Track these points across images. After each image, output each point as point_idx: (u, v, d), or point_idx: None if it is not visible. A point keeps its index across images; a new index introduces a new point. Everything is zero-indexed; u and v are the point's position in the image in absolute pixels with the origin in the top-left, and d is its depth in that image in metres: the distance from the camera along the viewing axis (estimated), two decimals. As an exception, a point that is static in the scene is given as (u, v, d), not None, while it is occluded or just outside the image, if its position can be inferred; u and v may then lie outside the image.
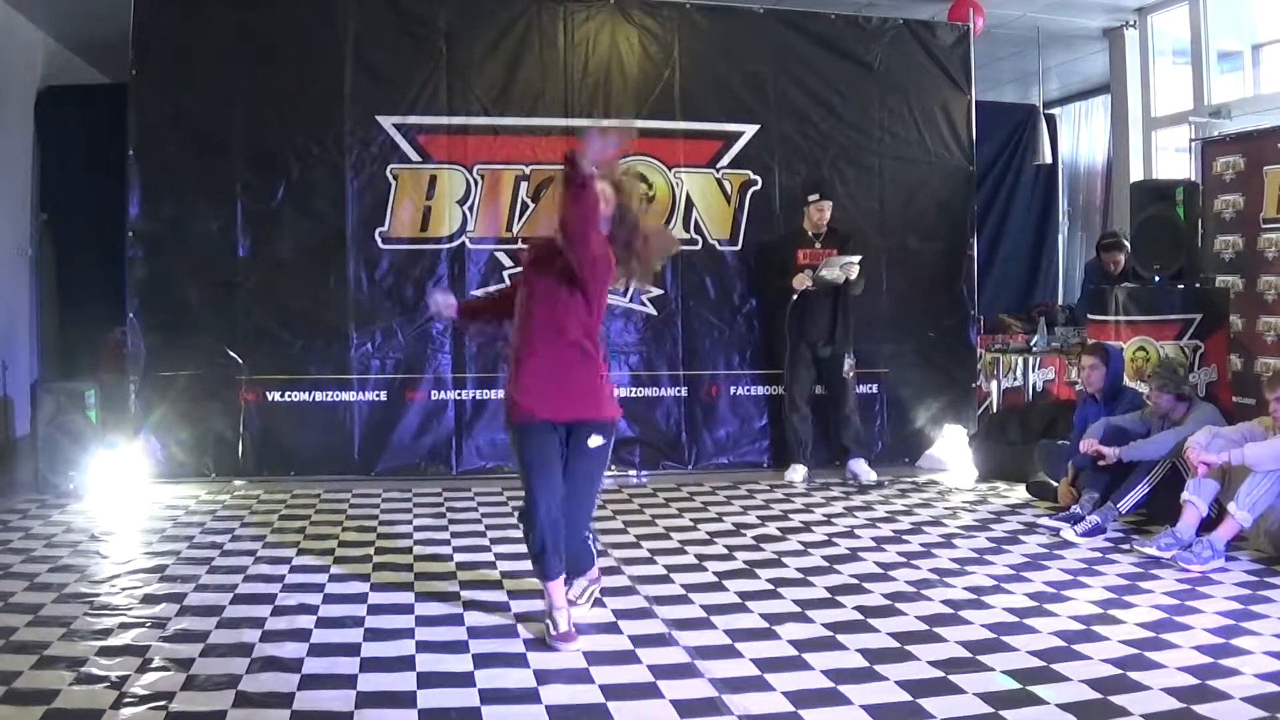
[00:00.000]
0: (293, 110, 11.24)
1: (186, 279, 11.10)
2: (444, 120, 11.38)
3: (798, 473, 11.22)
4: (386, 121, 11.26)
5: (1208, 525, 8.12)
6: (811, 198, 11.28)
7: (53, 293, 14.42)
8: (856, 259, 10.98)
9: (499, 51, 11.54)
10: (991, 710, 5.28)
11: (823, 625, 6.54)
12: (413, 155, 11.30)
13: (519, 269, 7.96)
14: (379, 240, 11.24)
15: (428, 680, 5.68)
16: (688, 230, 11.72)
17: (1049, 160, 15.17)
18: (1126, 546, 8.34)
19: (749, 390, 11.90)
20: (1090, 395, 9.83)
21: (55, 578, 7.54)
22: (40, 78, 14.09)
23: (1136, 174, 13.74)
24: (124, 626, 6.48)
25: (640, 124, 11.48)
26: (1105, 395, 9.66)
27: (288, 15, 11.32)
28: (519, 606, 6.92)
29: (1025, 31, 13.81)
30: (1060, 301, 15.09)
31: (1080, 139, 16.76)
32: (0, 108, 12.95)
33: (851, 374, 11.38)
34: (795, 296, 11.10)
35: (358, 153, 11.25)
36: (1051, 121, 15.92)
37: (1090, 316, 11.53)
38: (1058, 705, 5.33)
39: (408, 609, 6.90)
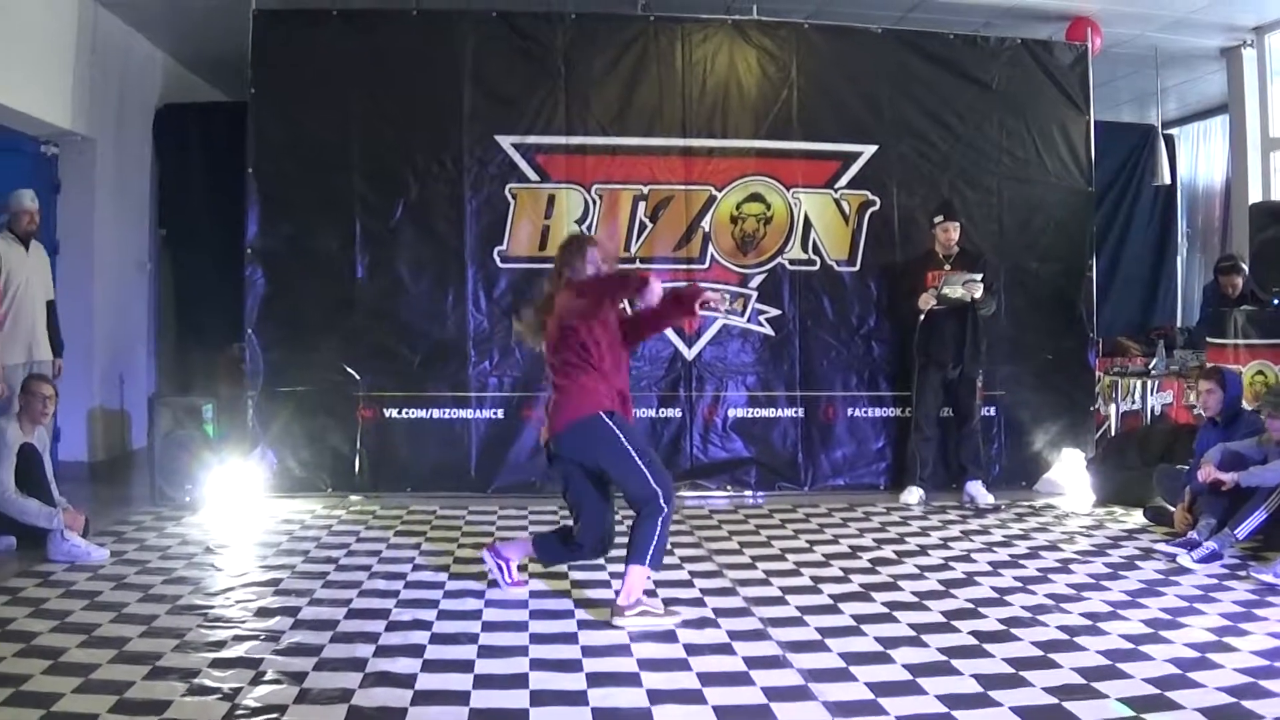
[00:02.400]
0: (411, 129, 11.34)
1: (305, 296, 11.22)
2: (562, 140, 11.41)
3: (914, 495, 11.11)
4: (505, 141, 11.32)
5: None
6: (937, 219, 11.21)
7: (171, 307, 14.58)
8: (979, 277, 10.90)
9: (617, 72, 11.57)
10: (1105, 738, 5.18)
11: (938, 650, 6.45)
12: (531, 175, 11.34)
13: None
14: (497, 259, 11.29)
15: (540, 699, 5.67)
16: (805, 250, 11.68)
17: (1168, 181, 14.94)
18: (1243, 573, 8.19)
19: (866, 411, 11.81)
20: (1210, 420, 9.70)
21: (170, 589, 7.62)
22: (159, 95, 14.27)
23: (1255, 195, 13.54)
24: (238, 639, 6.53)
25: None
26: (1223, 419, 9.52)
27: (406, 35, 11.41)
28: (633, 625, 6.88)
29: (1143, 51, 13.66)
30: (1179, 324, 14.91)
31: (1199, 159, 16.53)
32: (120, 125, 13.11)
33: (980, 397, 11.33)
34: (922, 317, 11.03)
35: (476, 172, 11.31)
36: (1170, 142, 15.70)
37: (1209, 340, 11.40)
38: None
39: (522, 626, 6.89)
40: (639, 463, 7.06)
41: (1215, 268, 12.74)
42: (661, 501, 7.00)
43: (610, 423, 7.10)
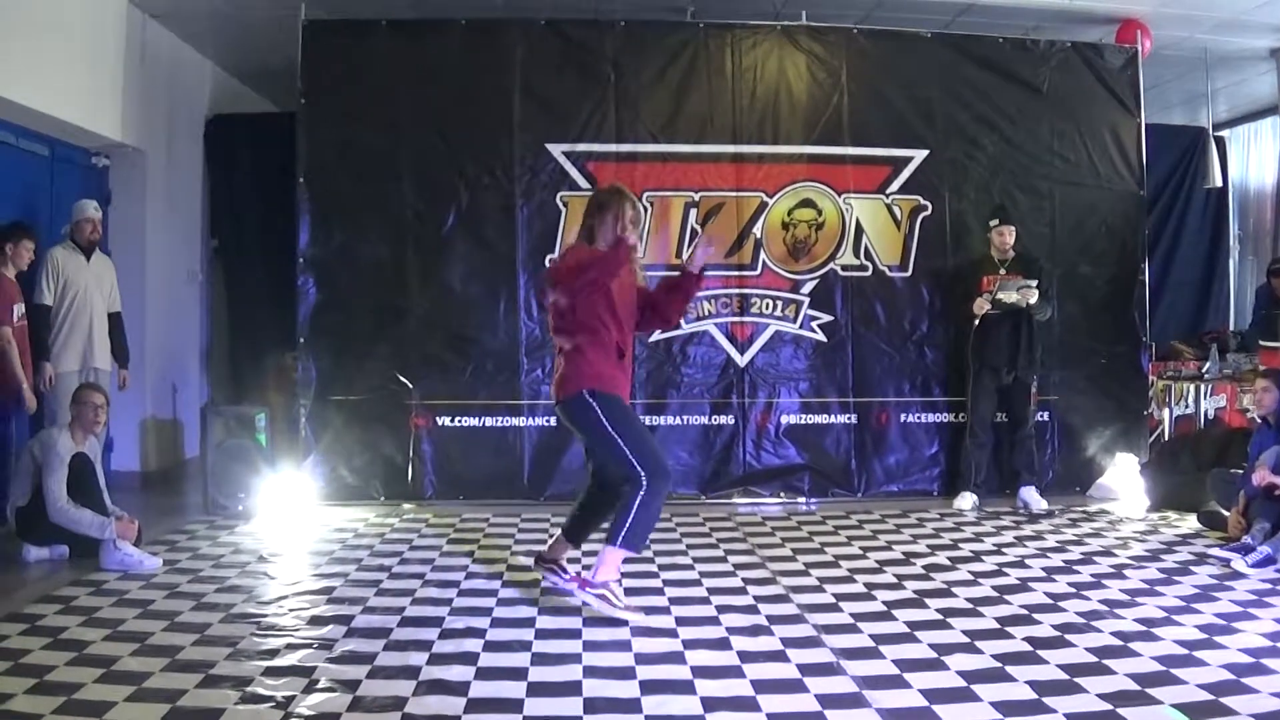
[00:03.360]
0: (462, 138, 11.37)
1: (357, 305, 11.28)
2: (613, 148, 11.44)
3: (967, 500, 11.09)
4: (556, 149, 11.35)
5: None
6: (992, 223, 11.21)
7: (223, 317, 14.65)
8: (1034, 283, 10.87)
9: (666, 78, 11.57)
10: (1159, 744, 5.16)
11: (991, 656, 6.42)
12: (582, 182, 11.36)
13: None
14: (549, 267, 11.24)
15: (593, 706, 5.67)
16: (857, 256, 11.66)
17: (1219, 183, 14.83)
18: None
19: (919, 417, 11.78)
20: (1264, 422, 9.64)
21: (223, 598, 7.66)
22: (209, 106, 14.34)
23: (1308, 197, 13.47)
24: (290, 647, 6.56)
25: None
26: (1278, 421, 9.47)
27: (456, 44, 11.45)
28: (686, 633, 6.90)
29: (1192, 53, 13.57)
30: (1232, 327, 14.80)
31: (1250, 161, 16.39)
32: (170, 136, 13.17)
33: (1034, 403, 11.28)
34: (977, 322, 11.02)
35: (527, 180, 11.35)
36: (1221, 144, 15.61)
37: (1262, 343, 11.38)
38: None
39: (575, 634, 6.89)
40: (620, 443, 7.15)
41: (1268, 270, 12.67)
42: (643, 480, 7.06)
43: (593, 402, 7.19)
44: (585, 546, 8.06)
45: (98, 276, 10.55)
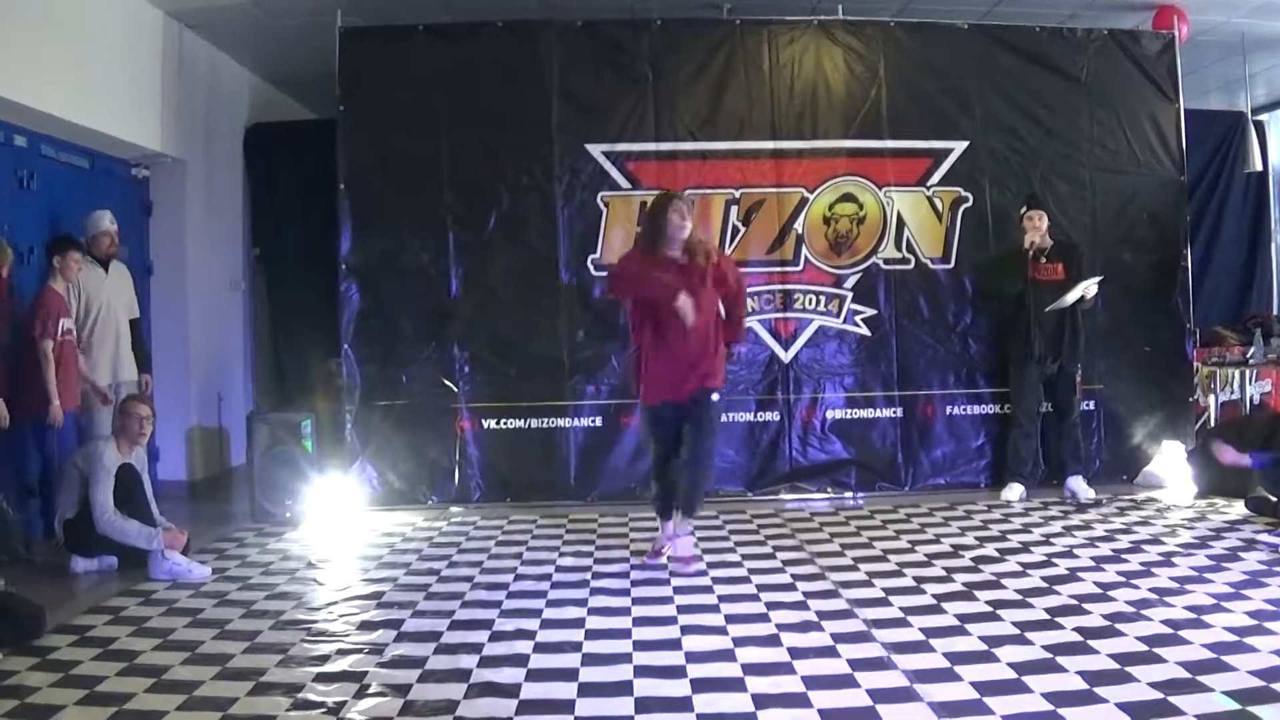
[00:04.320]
0: (501, 141, 11.39)
1: (400, 310, 11.31)
2: (652, 146, 11.45)
3: (1014, 491, 11.05)
4: (595, 149, 11.36)
5: None
6: (1023, 210, 11.20)
7: (266, 325, 14.72)
8: (1096, 280, 10.95)
9: (704, 76, 11.57)
10: (1211, 732, 5.17)
11: (1042, 647, 6.42)
12: (622, 182, 11.38)
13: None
14: (591, 267, 11.33)
15: (645, 705, 5.69)
16: (899, 250, 11.64)
17: (1259, 167, 14.78)
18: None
19: (965, 409, 11.74)
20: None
21: (272, 605, 7.72)
22: (248, 115, 14.41)
23: (1347, 179, 13.40)
24: (341, 653, 6.60)
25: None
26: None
27: (492, 47, 11.47)
28: (736, 631, 6.91)
29: (1229, 37, 13.49)
30: (1275, 311, 14.71)
31: (1289, 145, 16.37)
32: (209, 145, 13.25)
33: (1079, 392, 11.26)
34: (1020, 313, 11.01)
35: (568, 181, 11.37)
36: (1260, 128, 15.54)
37: (1303, 326, 11.32)
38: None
39: (625, 634, 6.91)
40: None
41: None
42: None
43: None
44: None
45: (117, 288, 10.56)
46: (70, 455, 9.08)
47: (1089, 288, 10.86)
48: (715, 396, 8.46)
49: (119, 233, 10.60)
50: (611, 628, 7.03)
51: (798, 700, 5.73)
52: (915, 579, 8.12)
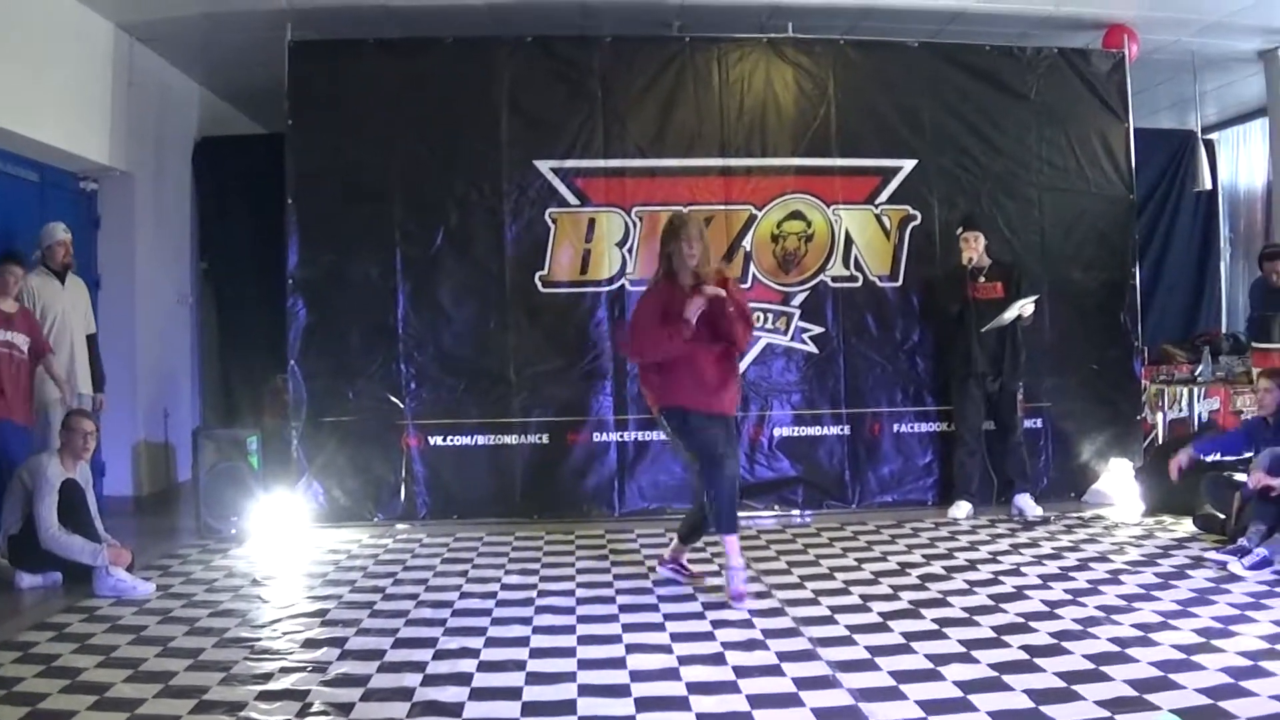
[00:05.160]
0: (450, 156, 11.35)
1: (347, 326, 11.27)
2: (601, 163, 11.43)
3: (962, 509, 11.06)
4: (544, 166, 11.34)
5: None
6: (959, 230, 11.27)
7: (213, 340, 14.64)
8: (1033, 299, 10.99)
9: (654, 93, 11.57)
10: (1158, 750, 5.15)
11: (988, 665, 6.39)
12: (571, 199, 11.36)
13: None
14: (539, 284, 11.30)
15: (589, 724, 5.65)
16: (847, 267, 11.65)
17: (1209, 186, 14.90)
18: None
19: (912, 427, 11.75)
20: (1263, 420, 9.65)
21: (216, 622, 7.64)
22: (197, 129, 14.34)
23: (1297, 198, 13.46)
24: (284, 671, 6.53)
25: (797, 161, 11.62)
26: (1275, 422, 9.47)
27: (442, 63, 11.46)
28: (681, 649, 6.87)
29: (1180, 56, 13.56)
30: (1224, 330, 14.79)
31: (1239, 163, 16.40)
32: (159, 159, 13.18)
33: (1021, 410, 11.26)
34: (958, 331, 11.08)
35: (516, 197, 11.34)
36: (1210, 146, 15.65)
37: (1255, 345, 11.39)
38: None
39: (569, 652, 6.86)
40: None
41: (1260, 256, 12.66)
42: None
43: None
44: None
45: (73, 300, 10.52)
46: (15, 469, 9.00)
47: (1025, 306, 10.91)
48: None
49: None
50: (556, 646, 6.98)
51: (742, 719, 5.71)
52: (862, 597, 8.09)
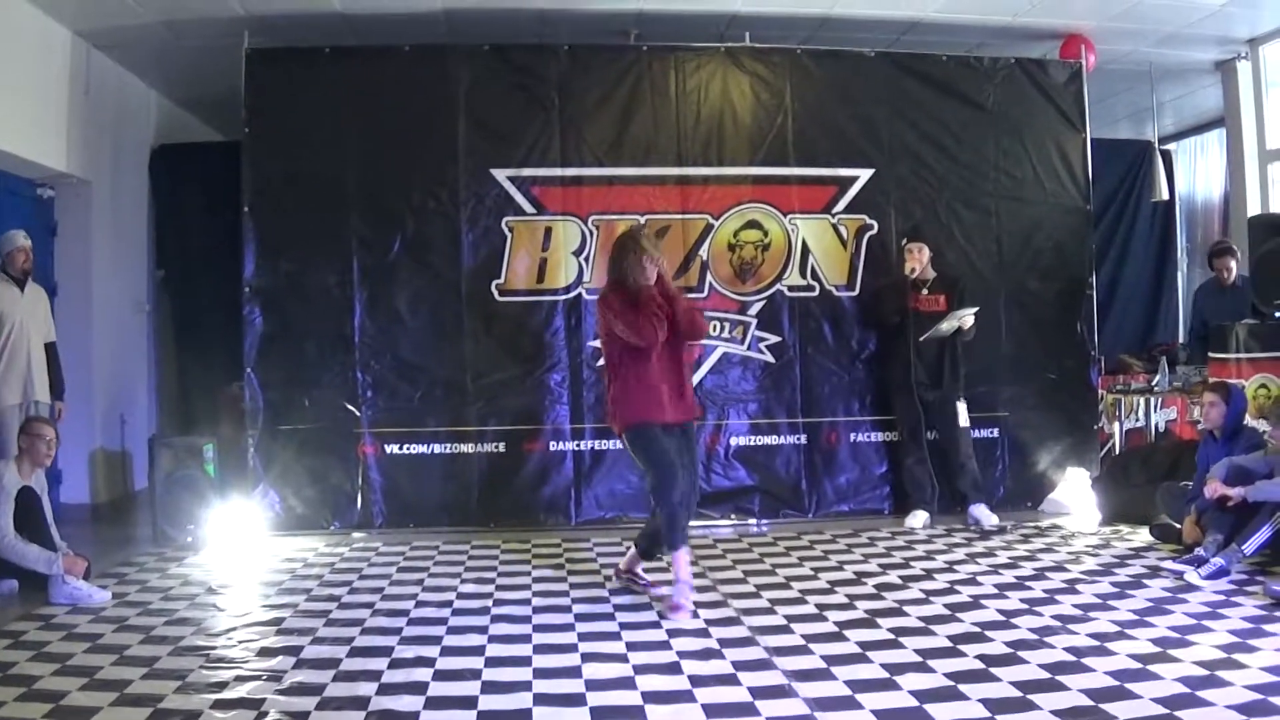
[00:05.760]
0: (407, 165, 11.33)
1: (303, 334, 11.24)
2: (558, 172, 11.41)
3: (919, 519, 11.09)
4: (500, 174, 11.32)
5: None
6: (904, 242, 11.32)
7: (170, 348, 14.59)
8: (972, 311, 10.98)
9: (611, 102, 11.57)
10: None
11: (944, 675, 6.40)
12: (527, 207, 11.35)
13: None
14: (495, 292, 11.29)
15: (544, 733, 5.64)
16: (804, 276, 11.67)
17: (1166, 197, 14.92)
18: (1251, 589, 8.17)
19: (869, 436, 11.79)
20: (1210, 434, 9.68)
21: (172, 631, 7.60)
22: (154, 136, 14.29)
23: (1254, 208, 13.47)
24: (240, 679, 6.51)
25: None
26: (1225, 434, 9.51)
27: (400, 71, 11.42)
28: (637, 659, 6.87)
29: (1137, 67, 13.64)
30: (1181, 340, 14.84)
31: (1197, 174, 16.48)
32: (116, 167, 13.13)
33: (966, 420, 11.27)
34: (899, 341, 11.16)
35: (473, 206, 11.32)
36: (1167, 157, 15.69)
37: (1211, 355, 11.39)
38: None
39: (525, 661, 6.85)
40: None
41: (1209, 254, 12.75)
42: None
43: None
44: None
45: (32, 308, 10.44)
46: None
47: (965, 318, 10.93)
48: (695, 425, 8.56)
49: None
50: (512, 655, 6.97)
51: (698, 728, 5.70)
52: (818, 606, 8.10)
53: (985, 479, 11.54)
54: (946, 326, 10.92)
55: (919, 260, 11.12)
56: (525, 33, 11.95)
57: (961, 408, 11.24)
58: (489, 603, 8.30)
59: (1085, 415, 12.23)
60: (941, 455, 11.33)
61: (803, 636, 7.32)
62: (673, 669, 6.67)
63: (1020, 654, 6.78)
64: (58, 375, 10.67)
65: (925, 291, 11.15)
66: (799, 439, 11.69)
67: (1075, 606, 7.90)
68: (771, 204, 11.64)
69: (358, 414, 11.19)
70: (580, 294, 11.31)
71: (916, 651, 6.90)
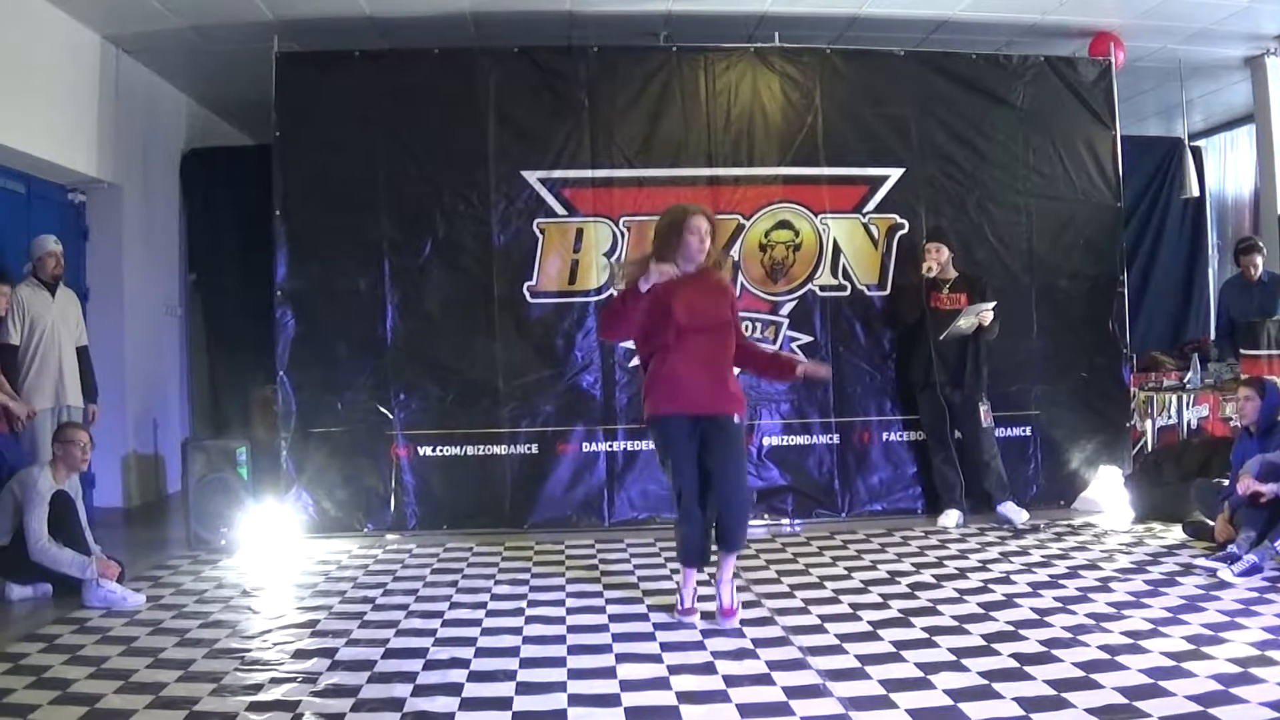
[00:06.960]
0: (437, 168, 11.34)
1: (335, 337, 11.25)
2: (588, 174, 11.42)
3: (951, 518, 11.06)
4: (531, 176, 11.33)
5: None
6: (924, 242, 11.35)
7: (202, 351, 14.67)
8: (990, 305, 10.94)
9: (641, 103, 11.57)
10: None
11: (978, 674, 6.37)
12: (558, 209, 11.36)
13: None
14: (527, 294, 11.31)
15: (579, 734, 5.64)
16: (835, 276, 11.66)
17: (1196, 194, 14.89)
18: (1285, 584, 8.16)
19: (901, 436, 11.78)
20: (1245, 429, 9.63)
21: (206, 633, 7.61)
22: (185, 140, 14.38)
23: (1284, 204, 13.49)
24: (275, 682, 6.51)
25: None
26: (1260, 429, 9.45)
27: (429, 74, 11.45)
28: (671, 659, 6.86)
29: (1166, 64, 13.61)
30: (1213, 337, 14.81)
31: (1227, 171, 16.43)
32: (146, 171, 13.21)
33: (989, 421, 11.26)
34: (920, 340, 11.17)
35: (503, 208, 11.33)
36: (1197, 154, 15.66)
37: (1243, 351, 11.35)
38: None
39: (559, 662, 6.85)
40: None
41: (1235, 250, 12.70)
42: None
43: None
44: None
45: (63, 312, 10.48)
46: (5, 481, 8.99)
47: (984, 313, 10.90)
48: (736, 419, 7.61)
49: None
50: (546, 656, 6.97)
51: (734, 728, 5.70)
52: (852, 605, 8.07)
53: (1018, 477, 11.53)
54: (965, 323, 10.90)
55: (937, 260, 11.13)
56: (554, 35, 11.98)
57: (984, 408, 11.21)
58: (523, 604, 8.28)
59: (1117, 413, 12.18)
60: (966, 455, 11.31)
61: (837, 636, 7.30)
62: (707, 669, 6.65)
63: (1054, 652, 6.75)
64: (90, 378, 10.71)
65: (946, 291, 11.15)
66: (831, 439, 11.68)
67: (1109, 604, 7.86)
68: (802, 204, 11.62)
69: (390, 416, 11.20)
70: (611, 295, 11.13)
71: (951, 650, 6.87)
